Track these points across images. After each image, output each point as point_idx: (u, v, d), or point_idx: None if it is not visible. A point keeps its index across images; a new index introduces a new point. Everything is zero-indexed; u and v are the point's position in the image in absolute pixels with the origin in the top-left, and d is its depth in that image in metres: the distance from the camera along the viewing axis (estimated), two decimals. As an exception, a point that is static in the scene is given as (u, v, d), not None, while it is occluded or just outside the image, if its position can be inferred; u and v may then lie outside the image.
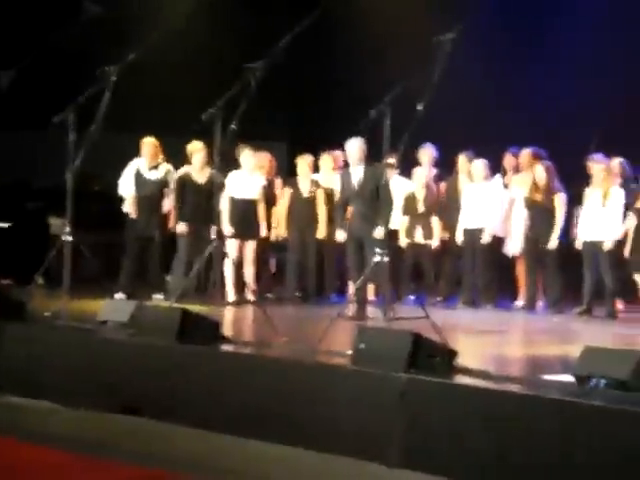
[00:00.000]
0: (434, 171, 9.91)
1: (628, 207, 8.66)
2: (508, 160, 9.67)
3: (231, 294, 9.07)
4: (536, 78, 10.05)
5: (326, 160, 9.71)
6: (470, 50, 9.26)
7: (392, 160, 8.40)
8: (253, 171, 9.31)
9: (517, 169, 9.58)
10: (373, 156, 8.57)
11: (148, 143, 9.31)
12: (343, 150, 8.98)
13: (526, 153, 9.44)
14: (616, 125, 9.24)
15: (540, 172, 9.04)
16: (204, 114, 6.72)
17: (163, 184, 9.32)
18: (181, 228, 9.14)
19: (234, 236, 9.17)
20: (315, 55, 11.38)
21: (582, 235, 8.85)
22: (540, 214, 9.06)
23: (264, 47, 6.79)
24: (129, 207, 9.33)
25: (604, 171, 8.73)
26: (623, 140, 9.07)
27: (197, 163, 9.16)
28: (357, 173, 8.17)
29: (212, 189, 8.74)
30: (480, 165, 9.42)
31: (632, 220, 8.55)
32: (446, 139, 9.89)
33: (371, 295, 8.84)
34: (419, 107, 6.31)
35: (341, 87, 11.34)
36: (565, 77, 9.84)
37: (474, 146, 9.63)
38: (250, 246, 9.27)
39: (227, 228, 9.09)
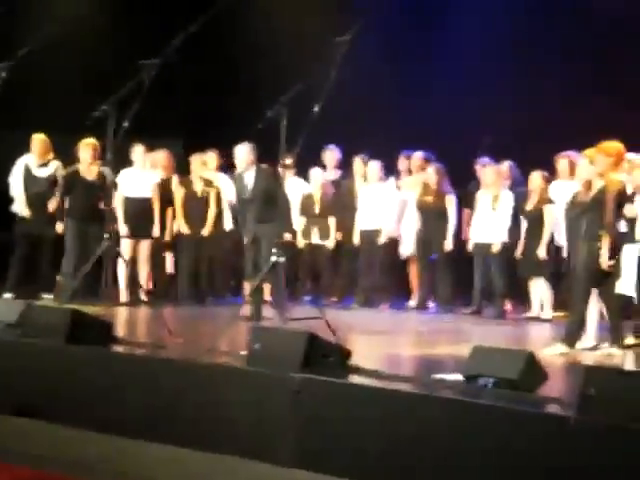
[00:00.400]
0: (338, 173, 9.97)
1: (517, 210, 8.88)
2: (402, 162, 9.80)
3: (124, 294, 8.93)
4: (430, 81, 10.21)
5: (211, 158, 9.64)
6: (366, 53, 9.37)
7: (289, 161, 8.41)
8: (146, 169, 9.19)
9: (409, 171, 9.72)
10: (270, 157, 8.57)
11: (38, 139, 9.10)
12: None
13: (417, 156, 9.59)
14: (504, 130, 9.47)
15: (431, 174, 9.21)
16: (96, 111, 6.60)
17: (53, 181, 9.12)
18: (68, 226, 8.92)
19: (128, 236, 9.03)
20: (212, 53, 11.30)
21: (473, 237, 9.05)
22: (431, 216, 9.22)
23: (159, 44, 6.71)
24: (19, 205, 9.09)
25: (494, 174, 8.93)
26: (510, 145, 9.31)
27: (85, 160, 8.97)
28: (249, 177, 8.16)
29: (102, 186, 8.59)
30: (375, 167, 9.52)
31: (524, 223, 8.78)
32: (342, 141, 9.96)
33: (267, 296, 8.83)
34: (315, 108, 6.34)
35: (238, 85, 11.30)
36: (457, 81, 10.02)
37: (369, 148, 9.74)
38: (144, 245, 9.14)
39: (122, 228, 8.95)
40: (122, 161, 8.76)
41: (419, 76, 10.30)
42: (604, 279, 6.47)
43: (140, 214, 9.06)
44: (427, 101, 10.09)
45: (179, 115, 11.43)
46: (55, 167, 9.18)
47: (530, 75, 9.72)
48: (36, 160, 9.12)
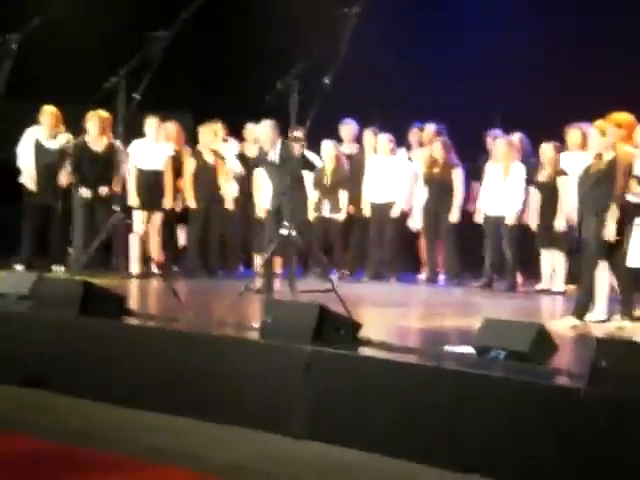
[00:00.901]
0: (355, 147, 9.91)
1: (528, 182, 8.85)
2: (413, 134, 9.76)
3: (136, 266, 8.96)
4: (441, 53, 10.16)
5: (218, 129, 9.61)
6: (378, 25, 9.31)
7: (298, 134, 8.38)
8: (158, 141, 9.18)
9: (421, 144, 9.69)
10: (280, 130, 8.55)
11: (48, 111, 9.09)
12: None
13: (429, 129, 9.55)
14: (514, 101, 9.42)
15: (437, 147, 9.19)
16: (107, 82, 6.59)
17: (63, 153, 9.13)
18: (78, 198, 8.94)
19: (140, 207, 9.05)
20: (220, 24, 11.25)
21: (484, 209, 9.02)
22: (438, 189, 9.20)
23: (169, 15, 6.68)
24: (28, 178, 9.10)
25: (506, 146, 8.89)
26: (523, 118, 9.26)
27: (92, 131, 8.97)
28: (273, 153, 8.12)
29: (110, 158, 8.60)
30: (384, 139, 9.49)
31: (536, 194, 8.75)
32: (355, 113, 9.91)
33: (278, 268, 8.84)
34: (326, 80, 6.31)
35: (248, 57, 11.25)
36: (468, 53, 9.96)
37: (382, 120, 9.71)
38: (156, 217, 9.16)
39: (133, 199, 8.97)
40: (133, 133, 8.76)
41: (429, 48, 10.24)
42: (614, 251, 6.45)
43: (152, 186, 9.07)
44: (438, 73, 10.04)
45: (189, 87, 11.40)
46: (65, 139, 9.18)
47: (541, 45, 9.64)
48: (46, 132, 9.12)
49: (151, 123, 9.09)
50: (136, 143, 9.06)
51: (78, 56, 10.39)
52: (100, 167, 8.88)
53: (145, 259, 9.07)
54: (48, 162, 9.08)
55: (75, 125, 9.19)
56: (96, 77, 6.78)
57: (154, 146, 9.14)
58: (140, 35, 6.68)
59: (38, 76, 9.98)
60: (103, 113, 8.89)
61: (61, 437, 4.88)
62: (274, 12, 11.03)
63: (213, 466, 4.51)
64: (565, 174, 8.47)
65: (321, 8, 8.51)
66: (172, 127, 9.49)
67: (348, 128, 9.89)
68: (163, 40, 6.54)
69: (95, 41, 10.54)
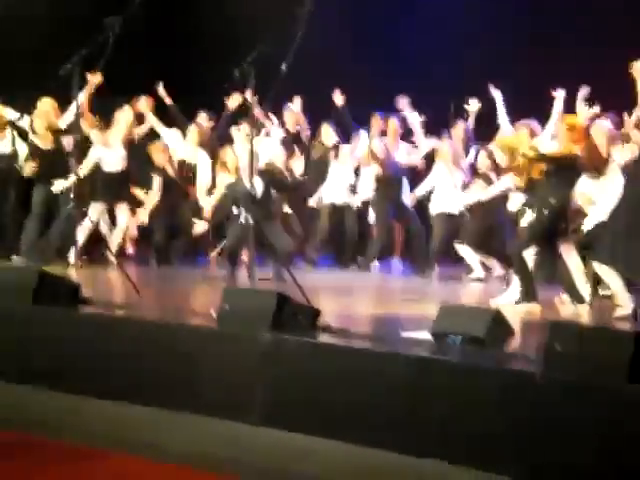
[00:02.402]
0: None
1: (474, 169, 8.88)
2: (375, 123, 9.76)
3: (92, 255, 8.87)
4: (398, 41, 10.20)
5: (193, 131, 9.54)
6: (334, 11, 9.31)
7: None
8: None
9: (384, 133, 9.69)
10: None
11: None
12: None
13: (394, 120, 9.55)
14: (472, 90, 9.48)
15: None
16: (61, 69, 6.51)
17: (13, 155, 8.96)
18: (37, 190, 8.81)
19: (102, 200, 8.96)
20: (176, 11, 11.17)
21: (431, 205, 9.06)
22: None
23: (123, 1, 6.62)
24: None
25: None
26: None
27: (39, 128, 8.75)
28: None
29: (61, 149, 8.50)
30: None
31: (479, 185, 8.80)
32: (312, 100, 9.91)
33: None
34: (283, 67, 6.30)
35: (203, 45, 11.17)
36: (426, 42, 10.00)
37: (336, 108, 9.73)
38: (121, 208, 9.05)
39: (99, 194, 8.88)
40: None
41: (387, 35, 10.27)
42: (563, 237, 6.57)
43: (114, 180, 8.97)
44: (394, 60, 10.07)
45: (144, 75, 11.30)
46: (11, 140, 9.01)
47: (495, 30, 9.69)
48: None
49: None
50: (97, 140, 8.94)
51: (31, 42, 10.24)
52: (54, 161, 8.74)
53: (102, 248, 8.97)
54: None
55: (28, 112, 9.06)
56: (50, 63, 6.68)
57: (112, 149, 9.01)
58: (94, 21, 6.60)
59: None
60: (46, 106, 8.74)
61: (16, 427, 4.83)
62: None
63: (172, 454, 4.50)
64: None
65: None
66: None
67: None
68: (118, 25, 6.47)
69: (49, 27, 10.39)
